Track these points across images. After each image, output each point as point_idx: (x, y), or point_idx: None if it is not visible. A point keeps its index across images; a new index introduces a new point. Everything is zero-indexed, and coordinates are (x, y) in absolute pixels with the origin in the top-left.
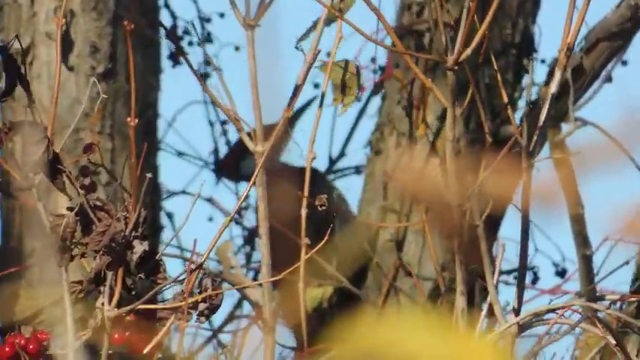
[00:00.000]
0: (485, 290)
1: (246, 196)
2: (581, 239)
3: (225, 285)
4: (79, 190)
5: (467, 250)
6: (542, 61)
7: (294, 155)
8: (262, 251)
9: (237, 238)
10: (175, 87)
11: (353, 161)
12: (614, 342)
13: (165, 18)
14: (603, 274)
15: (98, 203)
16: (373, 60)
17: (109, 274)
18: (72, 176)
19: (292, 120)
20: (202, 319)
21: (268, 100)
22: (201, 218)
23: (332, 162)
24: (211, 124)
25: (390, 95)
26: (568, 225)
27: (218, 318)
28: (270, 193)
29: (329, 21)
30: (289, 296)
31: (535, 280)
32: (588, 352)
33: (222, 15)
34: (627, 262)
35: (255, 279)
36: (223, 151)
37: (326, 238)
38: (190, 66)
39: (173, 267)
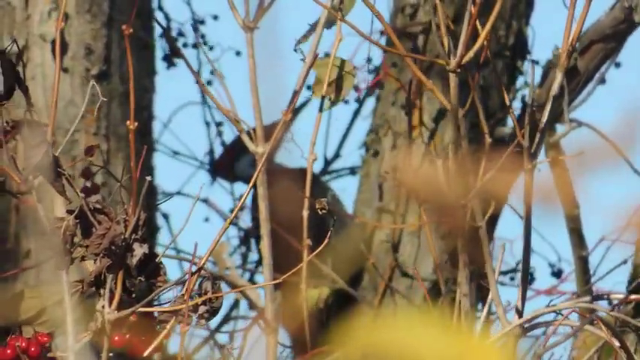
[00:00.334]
0: (481, 291)
1: (244, 198)
2: (577, 240)
3: (225, 287)
4: (81, 192)
5: (467, 251)
6: (536, 63)
7: (292, 156)
8: (264, 252)
9: (232, 239)
10: (170, 89)
11: (348, 162)
12: (618, 344)
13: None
14: (599, 274)
15: (98, 206)
16: (368, 61)
17: (109, 277)
18: (71, 179)
19: (290, 121)
20: (202, 321)
21: (267, 102)
22: (197, 219)
23: (327, 163)
24: (207, 124)
25: (385, 96)
26: (564, 225)
27: (214, 319)
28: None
29: (328, 23)
30: (286, 297)
31: (531, 280)
32: (586, 352)
33: (215, 17)
34: (625, 262)
35: (250, 280)
36: (219, 151)
37: (326, 241)
38: (188, 65)
39: (169, 268)
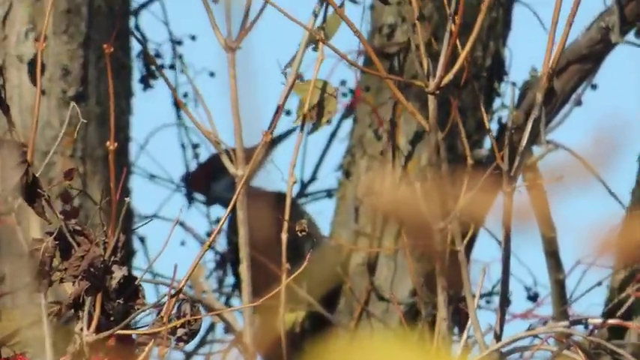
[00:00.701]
0: (458, 314)
1: (222, 222)
2: (554, 263)
3: (202, 310)
4: (60, 215)
5: (446, 274)
6: (513, 84)
7: (270, 179)
8: (243, 276)
9: (209, 263)
10: (146, 110)
11: (324, 185)
12: None
13: (135, 41)
14: (575, 297)
15: (77, 228)
16: (343, 83)
17: (88, 299)
18: (50, 200)
19: (271, 146)
20: (181, 344)
21: (245, 124)
22: (173, 242)
23: (303, 186)
24: (183, 147)
25: (361, 118)
26: (540, 248)
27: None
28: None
29: (309, 44)
30: (261, 321)
31: (507, 304)
32: None
33: (193, 38)
34: (600, 284)
35: (227, 304)
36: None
37: (304, 264)
38: (168, 84)
39: (146, 292)
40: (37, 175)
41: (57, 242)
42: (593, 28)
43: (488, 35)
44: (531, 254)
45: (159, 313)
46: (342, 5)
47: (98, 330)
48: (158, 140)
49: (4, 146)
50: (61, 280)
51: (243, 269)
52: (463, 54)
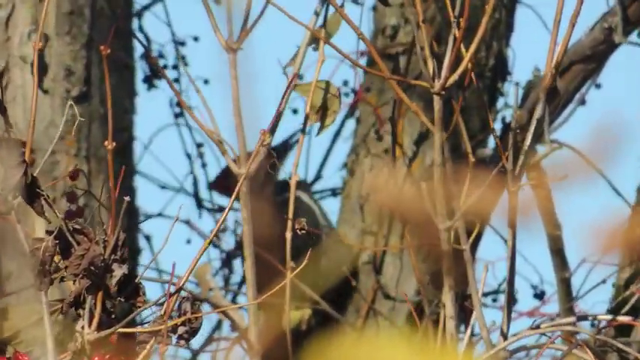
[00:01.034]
0: (463, 312)
1: (222, 220)
2: (560, 261)
3: (206, 307)
4: (60, 215)
5: (451, 273)
6: (517, 84)
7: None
8: (247, 273)
9: (215, 261)
10: (151, 110)
11: (329, 183)
12: None
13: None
14: (580, 294)
15: (77, 226)
16: (345, 83)
17: (89, 298)
18: (50, 200)
19: (281, 154)
20: (182, 342)
21: (248, 123)
22: (179, 241)
23: (309, 184)
24: (188, 155)
25: (365, 118)
26: (546, 246)
27: (197, 339)
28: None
29: (310, 44)
30: (266, 318)
31: (513, 302)
32: None
33: (196, 38)
34: (604, 281)
35: (233, 301)
36: (199, 173)
37: (308, 261)
38: (171, 84)
39: (150, 289)
40: (39, 174)
41: (57, 241)
42: (597, 28)
43: (491, 35)
44: (537, 252)
45: (161, 311)
46: (342, 5)
47: (99, 328)
48: (161, 140)
49: (4, 146)
50: (62, 279)
51: (247, 267)
52: (468, 55)
